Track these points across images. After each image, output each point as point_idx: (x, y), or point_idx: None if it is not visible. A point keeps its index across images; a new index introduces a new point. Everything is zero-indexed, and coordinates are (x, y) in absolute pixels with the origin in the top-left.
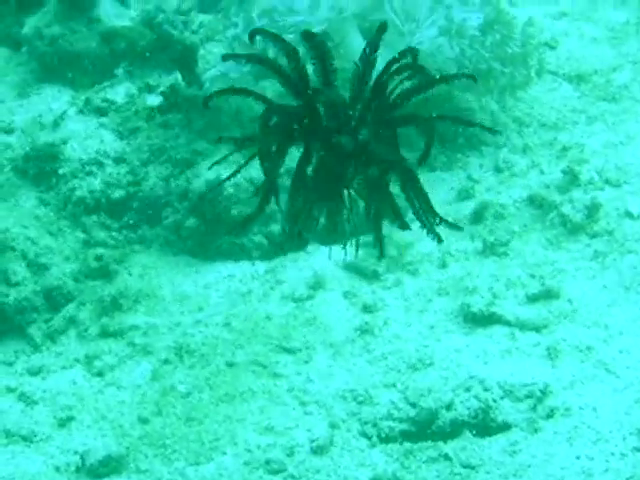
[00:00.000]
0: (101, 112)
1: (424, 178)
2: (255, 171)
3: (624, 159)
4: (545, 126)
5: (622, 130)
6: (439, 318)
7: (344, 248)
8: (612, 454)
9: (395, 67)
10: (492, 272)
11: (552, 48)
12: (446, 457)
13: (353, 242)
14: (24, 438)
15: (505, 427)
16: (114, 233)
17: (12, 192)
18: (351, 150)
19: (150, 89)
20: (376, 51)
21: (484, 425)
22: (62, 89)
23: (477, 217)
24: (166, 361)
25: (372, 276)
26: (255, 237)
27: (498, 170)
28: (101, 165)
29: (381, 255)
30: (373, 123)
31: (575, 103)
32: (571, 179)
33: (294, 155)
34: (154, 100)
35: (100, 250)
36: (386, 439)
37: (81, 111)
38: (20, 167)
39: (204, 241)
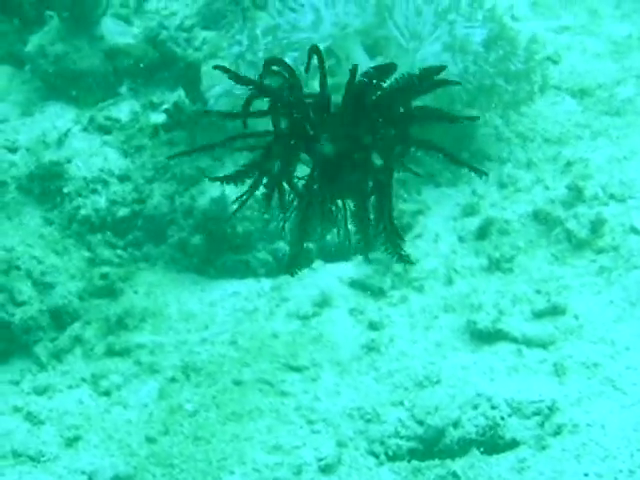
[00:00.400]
0: (105, 130)
1: (429, 194)
2: (261, 188)
3: (628, 174)
4: (549, 141)
5: (626, 145)
6: (445, 335)
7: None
8: (620, 471)
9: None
10: (498, 288)
11: (555, 62)
12: (454, 475)
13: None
14: (31, 458)
15: (513, 444)
16: (119, 251)
17: (17, 211)
18: (332, 156)
19: (154, 106)
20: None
21: (492, 442)
22: (66, 107)
23: (482, 233)
24: (173, 380)
25: (378, 293)
26: (260, 254)
27: (502, 185)
28: (106, 183)
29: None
30: (363, 130)
31: (579, 118)
32: (576, 194)
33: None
34: (158, 117)
35: (105, 268)
36: (394, 457)
37: (85, 129)
38: (25, 186)
39: (209, 258)
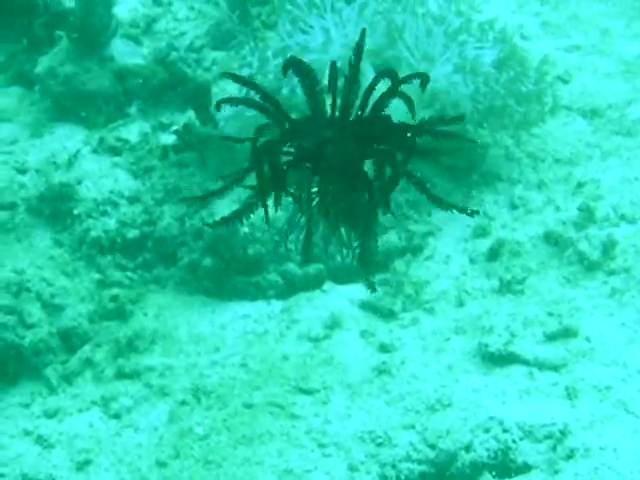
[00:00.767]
0: (115, 151)
1: (439, 215)
2: (270, 210)
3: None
4: (560, 161)
5: (637, 165)
6: (457, 358)
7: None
8: None
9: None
10: (509, 310)
11: (565, 82)
12: None
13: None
14: None
15: (525, 468)
16: (129, 273)
17: (27, 233)
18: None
19: (163, 127)
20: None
21: (504, 466)
22: (75, 128)
23: (493, 254)
24: (183, 403)
25: (389, 315)
26: (270, 275)
27: (513, 207)
28: (115, 205)
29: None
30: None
31: (589, 138)
32: (587, 215)
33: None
34: (168, 139)
35: (115, 290)
36: None
37: (95, 150)
38: (34, 207)
39: (219, 280)
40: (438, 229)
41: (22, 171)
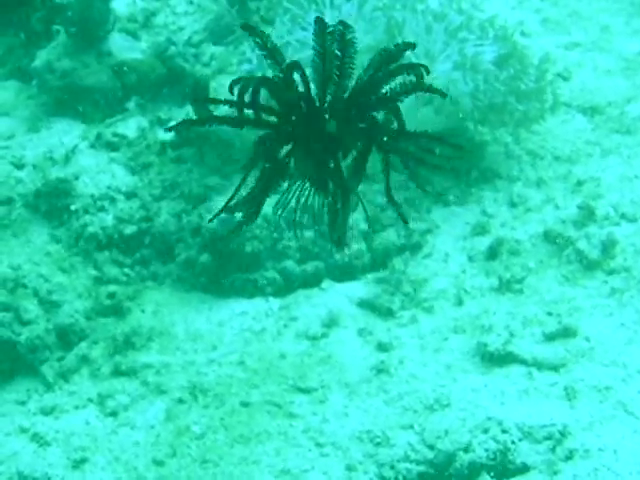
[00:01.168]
0: (112, 147)
1: (438, 213)
2: (269, 208)
3: None
4: (559, 159)
5: (637, 163)
6: (455, 357)
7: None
8: None
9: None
10: (508, 309)
11: (565, 79)
12: None
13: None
14: None
15: (524, 469)
16: (126, 269)
17: (24, 228)
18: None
19: (161, 123)
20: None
21: (503, 467)
22: (73, 123)
23: (492, 253)
24: (180, 401)
25: (387, 313)
26: (268, 273)
27: (512, 205)
28: (113, 200)
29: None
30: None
31: (589, 135)
32: (587, 214)
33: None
34: (166, 134)
35: (112, 287)
36: None
37: (92, 146)
38: (31, 203)
39: (217, 277)
40: (437, 227)
41: (19, 166)
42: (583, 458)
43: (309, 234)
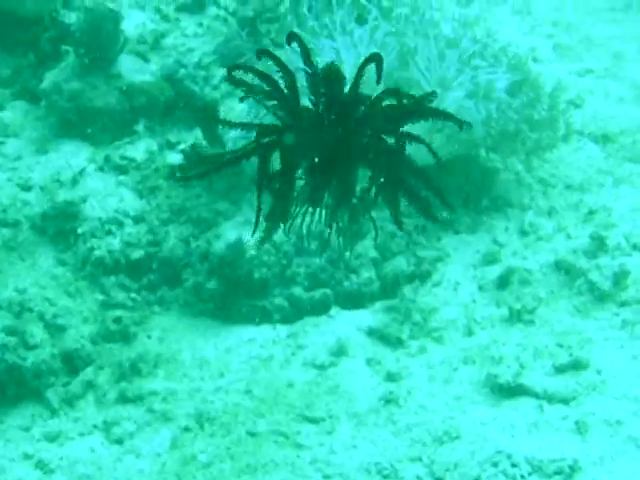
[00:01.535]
0: (121, 170)
1: (449, 241)
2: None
3: None
4: (571, 187)
5: None
6: (465, 388)
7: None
8: None
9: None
10: (519, 341)
11: (577, 106)
12: None
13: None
14: None
15: None
16: (133, 294)
17: (30, 251)
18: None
19: (170, 146)
20: None
21: None
22: (81, 145)
23: (503, 282)
24: (186, 429)
25: (396, 342)
26: (276, 299)
27: (524, 233)
28: (120, 224)
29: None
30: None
31: (601, 164)
32: (598, 244)
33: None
34: (174, 158)
35: (119, 312)
36: None
37: (100, 168)
38: (38, 225)
39: (225, 303)
40: (447, 255)
41: (26, 188)
42: None
43: (317, 261)
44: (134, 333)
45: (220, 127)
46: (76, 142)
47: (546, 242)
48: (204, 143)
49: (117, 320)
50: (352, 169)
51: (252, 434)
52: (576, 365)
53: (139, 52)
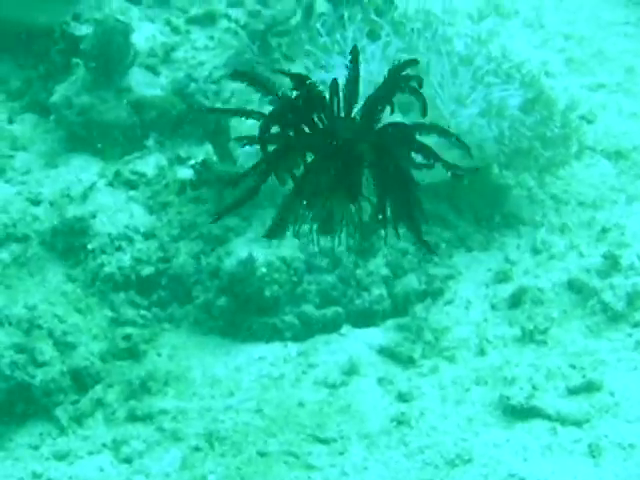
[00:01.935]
0: (131, 185)
1: (460, 259)
2: (288, 250)
3: None
4: (583, 204)
5: None
6: (477, 410)
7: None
8: None
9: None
10: (531, 361)
11: (589, 122)
12: None
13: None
14: None
15: None
16: (143, 311)
17: (39, 267)
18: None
19: (181, 161)
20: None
21: None
22: (91, 160)
23: (515, 301)
24: (196, 448)
25: (407, 362)
26: (287, 317)
27: (536, 251)
28: (130, 240)
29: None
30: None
31: (614, 181)
32: (612, 263)
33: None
34: (185, 173)
35: (129, 329)
36: None
37: (110, 183)
38: (48, 241)
39: (235, 321)
40: (459, 273)
41: (36, 203)
42: None
43: (329, 278)
44: (144, 351)
45: (231, 143)
46: (86, 156)
47: (558, 260)
48: (215, 158)
49: (127, 337)
50: (360, 188)
51: (263, 454)
52: (589, 387)
53: (149, 65)
